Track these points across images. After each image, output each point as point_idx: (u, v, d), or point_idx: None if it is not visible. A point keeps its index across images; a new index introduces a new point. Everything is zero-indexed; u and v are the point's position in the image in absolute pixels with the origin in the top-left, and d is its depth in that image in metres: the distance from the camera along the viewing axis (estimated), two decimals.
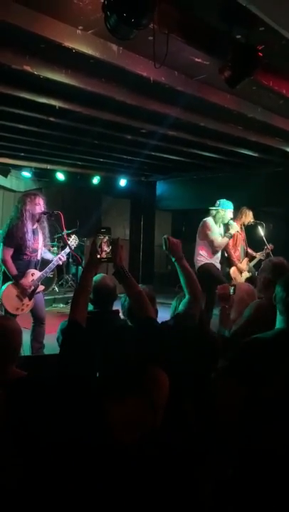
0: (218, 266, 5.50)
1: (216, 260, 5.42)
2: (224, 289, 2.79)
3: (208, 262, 5.30)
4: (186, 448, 1.79)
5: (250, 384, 1.86)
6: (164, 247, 2.39)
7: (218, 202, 5.46)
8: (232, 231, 5.37)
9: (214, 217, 5.39)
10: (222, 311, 2.82)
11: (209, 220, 5.36)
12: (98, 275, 2.61)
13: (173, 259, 2.35)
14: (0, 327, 1.90)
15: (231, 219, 5.43)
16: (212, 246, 5.35)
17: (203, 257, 5.30)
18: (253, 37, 2.85)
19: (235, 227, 5.38)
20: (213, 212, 5.41)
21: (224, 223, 5.45)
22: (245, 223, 5.83)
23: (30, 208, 4.27)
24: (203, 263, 5.27)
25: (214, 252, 5.38)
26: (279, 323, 2.01)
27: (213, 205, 5.50)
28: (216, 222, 5.42)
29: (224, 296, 2.76)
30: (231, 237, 5.40)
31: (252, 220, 5.87)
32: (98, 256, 2.05)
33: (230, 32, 2.83)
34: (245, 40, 2.87)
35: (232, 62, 2.89)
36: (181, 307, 2.29)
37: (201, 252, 5.32)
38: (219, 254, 5.48)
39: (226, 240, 5.36)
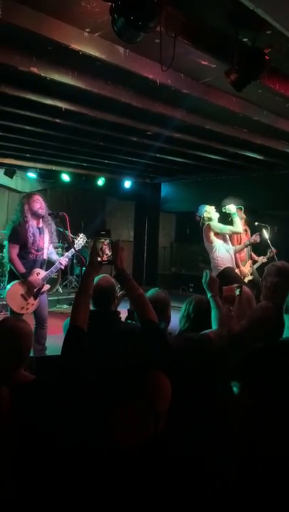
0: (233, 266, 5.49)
1: (229, 262, 5.38)
2: (230, 291, 2.78)
3: (227, 266, 5.27)
4: (187, 455, 1.78)
5: (259, 393, 1.83)
6: (203, 280, 2.65)
7: (198, 212, 5.46)
8: (232, 211, 5.40)
9: (210, 220, 5.37)
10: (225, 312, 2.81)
11: (210, 222, 5.34)
12: (98, 276, 2.61)
13: (208, 295, 2.57)
14: (12, 329, 1.85)
15: (222, 207, 5.44)
16: (230, 237, 5.43)
17: (218, 260, 5.26)
18: (259, 40, 2.85)
19: (231, 208, 5.42)
20: (204, 218, 5.38)
21: (218, 217, 5.46)
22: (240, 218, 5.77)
23: (29, 206, 4.33)
24: (225, 266, 5.24)
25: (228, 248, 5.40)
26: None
27: (216, 208, 5.49)
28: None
29: (230, 298, 2.76)
30: (236, 215, 5.41)
31: (244, 217, 5.85)
32: (99, 259, 2.04)
33: (236, 35, 2.84)
34: (251, 43, 2.88)
35: (238, 65, 2.89)
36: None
37: (215, 256, 5.28)
38: (232, 255, 5.44)
39: (237, 220, 5.38)
